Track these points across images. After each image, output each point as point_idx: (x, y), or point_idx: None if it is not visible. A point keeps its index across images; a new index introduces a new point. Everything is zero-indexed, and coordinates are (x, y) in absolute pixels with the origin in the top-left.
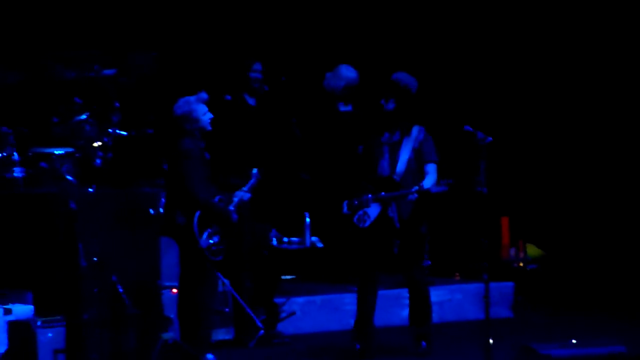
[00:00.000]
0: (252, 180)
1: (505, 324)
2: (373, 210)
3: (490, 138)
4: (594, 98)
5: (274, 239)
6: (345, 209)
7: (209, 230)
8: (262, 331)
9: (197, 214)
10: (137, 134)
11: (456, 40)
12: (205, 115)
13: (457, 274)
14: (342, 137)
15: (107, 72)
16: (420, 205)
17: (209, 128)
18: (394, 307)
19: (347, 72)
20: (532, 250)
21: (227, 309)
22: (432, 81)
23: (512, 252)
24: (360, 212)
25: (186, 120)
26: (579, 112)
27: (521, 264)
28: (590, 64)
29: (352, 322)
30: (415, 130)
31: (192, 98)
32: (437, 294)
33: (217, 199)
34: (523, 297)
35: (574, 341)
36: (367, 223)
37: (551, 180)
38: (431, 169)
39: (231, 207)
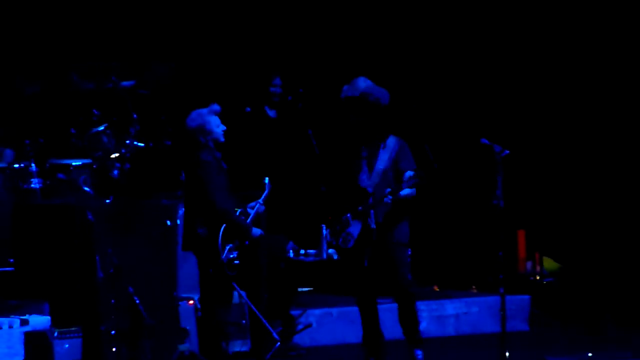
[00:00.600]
0: (265, 191)
1: (522, 337)
2: (355, 228)
3: (508, 151)
4: (611, 112)
5: (291, 251)
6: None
7: (231, 245)
8: (279, 343)
9: (223, 227)
10: (154, 145)
11: (474, 54)
12: (218, 127)
13: (474, 286)
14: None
15: (126, 83)
16: (394, 211)
17: (223, 139)
18: None
19: (364, 84)
20: (549, 263)
21: (243, 321)
22: (449, 94)
23: (529, 265)
24: (343, 234)
25: (200, 132)
26: (596, 125)
27: (538, 277)
28: (609, 76)
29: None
30: (391, 140)
31: (204, 110)
32: (453, 307)
33: (238, 212)
34: (539, 311)
35: (589, 354)
36: (352, 242)
37: (568, 193)
38: (408, 176)
39: (249, 219)
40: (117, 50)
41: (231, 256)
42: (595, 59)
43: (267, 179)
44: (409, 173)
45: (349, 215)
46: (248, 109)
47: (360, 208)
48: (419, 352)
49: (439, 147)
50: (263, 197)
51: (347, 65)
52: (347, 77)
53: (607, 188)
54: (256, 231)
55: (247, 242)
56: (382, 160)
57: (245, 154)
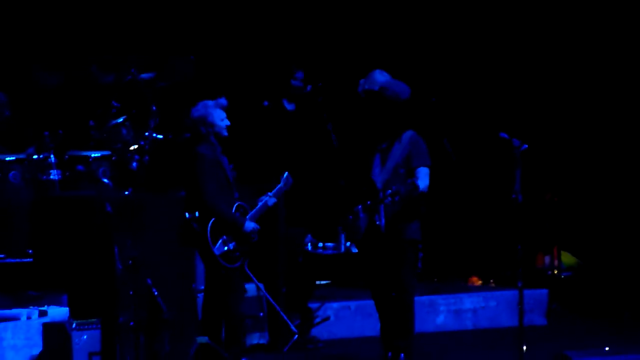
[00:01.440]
0: (279, 185)
1: (539, 332)
2: (363, 222)
3: (526, 145)
4: (631, 105)
5: (309, 244)
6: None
7: (224, 237)
8: (297, 336)
9: (211, 221)
10: (173, 137)
11: (493, 47)
12: (222, 121)
13: (492, 280)
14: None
15: (145, 75)
16: (404, 209)
17: (225, 134)
18: (428, 314)
19: (381, 77)
20: (567, 257)
21: (261, 314)
22: (468, 88)
23: (547, 259)
24: (353, 226)
25: (201, 123)
26: (615, 119)
27: (556, 272)
28: (629, 68)
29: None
30: (406, 135)
31: (210, 102)
32: (471, 301)
33: (236, 205)
34: (557, 305)
35: (607, 349)
36: (360, 235)
37: (585, 187)
38: (422, 173)
39: (252, 212)
40: (136, 43)
41: (225, 249)
42: (614, 50)
43: (286, 173)
44: (423, 169)
45: (360, 207)
46: (266, 102)
47: (369, 202)
48: (402, 356)
49: (457, 141)
50: (275, 190)
51: (366, 58)
52: (366, 71)
53: (625, 182)
54: (249, 225)
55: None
56: (395, 155)
57: (263, 147)
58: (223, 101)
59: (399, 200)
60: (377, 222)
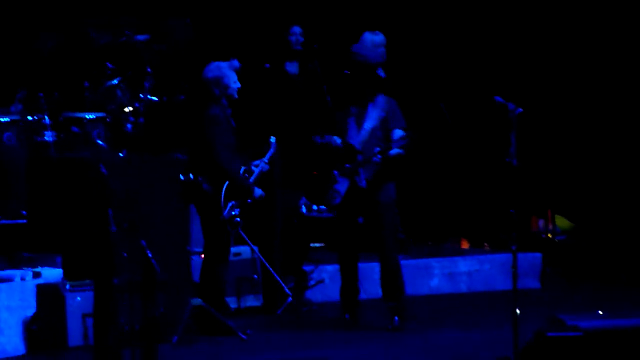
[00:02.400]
0: (270, 150)
1: (533, 295)
2: (342, 185)
3: (521, 109)
4: (624, 68)
5: (304, 207)
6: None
7: (233, 202)
8: (290, 298)
9: (226, 184)
10: (168, 100)
11: (489, 11)
12: (235, 83)
13: (486, 244)
14: None
15: (140, 37)
16: (382, 171)
17: (236, 96)
18: (422, 277)
19: (374, 36)
20: (561, 221)
21: (255, 276)
22: (464, 52)
23: (541, 223)
24: (330, 190)
25: (216, 84)
26: (611, 82)
27: (550, 235)
28: (623, 34)
29: (379, 290)
30: (380, 99)
31: (224, 63)
32: (465, 264)
33: (241, 170)
34: (551, 268)
35: (600, 312)
36: (338, 199)
37: (580, 151)
38: (396, 135)
39: (252, 179)
40: (132, 5)
41: (233, 213)
42: (612, 15)
43: (273, 138)
44: (398, 132)
45: (335, 172)
46: (267, 65)
47: (348, 165)
48: (396, 319)
49: (453, 105)
50: (268, 155)
51: (362, 19)
52: (361, 31)
53: (620, 146)
54: (257, 191)
55: (249, 201)
56: (371, 118)
57: (262, 110)
58: (236, 63)
59: (390, 155)
60: (360, 184)
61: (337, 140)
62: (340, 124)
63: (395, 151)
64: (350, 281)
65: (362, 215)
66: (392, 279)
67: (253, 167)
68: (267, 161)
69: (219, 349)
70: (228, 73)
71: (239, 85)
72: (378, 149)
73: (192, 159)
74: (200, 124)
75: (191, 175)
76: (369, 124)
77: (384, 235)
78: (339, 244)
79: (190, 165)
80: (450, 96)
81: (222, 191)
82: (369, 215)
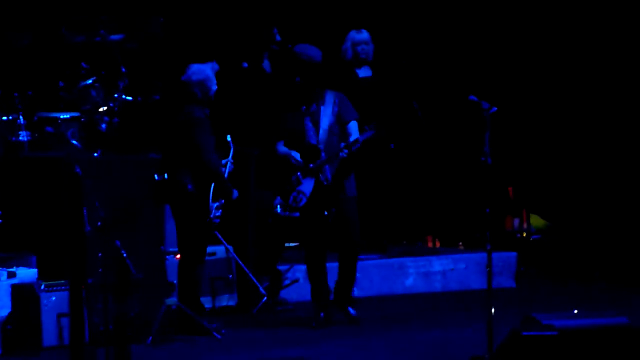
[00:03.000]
0: (231, 149)
1: (508, 294)
2: (306, 186)
3: (495, 108)
4: (600, 66)
5: (278, 207)
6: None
7: (217, 203)
8: (266, 298)
9: (212, 186)
10: (143, 99)
11: (463, 10)
12: (215, 85)
13: (461, 243)
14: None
15: (115, 37)
16: (343, 166)
17: (212, 98)
18: (397, 277)
19: (357, 35)
20: (536, 220)
21: (230, 276)
22: (438, 51)
23: (516, 222)
24: (294, 193)
25: (200, 86)
26: (584, 81)
27: (524, 234)
28: (598, 32)
29: (355, 289)
30: (329, 95)
31: (206, 66)
32: (440, 263)
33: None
34: (526, 267)
35: (576, 311)
36: (304, 201)
37: (555, 150)
38: (353, 127)
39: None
40: (106, 4)
41: (218, 213)
42: (584, 13)
43: (229, 136)
44: (354, 124)
45: (298, 174)
46: (245, 64)
47: (311, 165)
48: (352, 309)
49: (427, 103)
50: (231, 154)
51: (338, 18)
52: (339, 31)
53: (595, 143)
54: (235, 192)
55: (222, 202)
56: (326, 115)
57: (242, 109)
58: (216, 66)
59: (353, 150)
60: (325, 183)
61: (297, 155)
62: (297, 125)
63: (362, 137)
64: (320, 281)
65: (329, 210)
66: (353, 273)
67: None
68: (232, 160)
69: (194, 349)
70: (211, 75)
71: (216, 87)
72: (343, 144)
73: (169, 160)
74: (181, 126)
75: (166, 176)
76: (325, 122)
77: (353, 229)
78: (307, 244)
79: (167, 166)
80: (425, 94)
81: (209, 192)
82: (335, 209)
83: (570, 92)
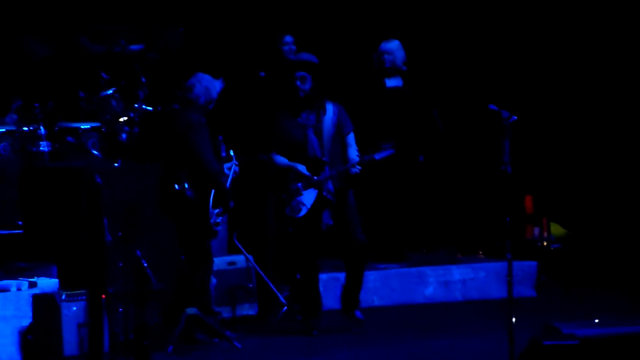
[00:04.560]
0: (230, 151)
1: (529, 303)
2: (308, 197)
3: (515, 117)
4: (619, 77)
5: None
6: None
7: (218, 210)
8: (286, 307)
9: (212, 192)
10: (163, 109)
11: (483, 19)
12: (215, 98)
13: (481, 252)
14: (388, 114)
15: (134, 47)
16: (344, 179)
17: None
18: (417, 286)
19: (383, 44)
20: (556, 229)
21: (250, 285)
22: (458, 60)
23: (536, 231)
24: (293, 203)
25: (205, 95)
26: (603, 90)
27: (545, 243)
28: (618, 38)
29: (374, 298)
30: (329, 106)
31: (212, 78)
32: (460, 272)
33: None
34: (546, 276)
35: (597, 321)
36: (304, 211)
37: (575, 159)
38: (351, 138)
39: (228, 182)
40: (125, 14)
41: (218, 220)
42: (606, 21)
43: (220, 136)
44: (352, 135)
45: (299, 184)
46: (262, 73)
47: (316, 178)
48: (358, 312)
49: (447, 112)
50: (234, 159)
51: (356, 27)
52: (356, 39)
53: (615, 153)
54: (232, 202)
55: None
56: (328, 127)
57: (259, 118)
58: (222, 83)
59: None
60: (329, 196)
61: (302, 168)
62: (299, 135)
63: (381, 155)
64: (316, 290)
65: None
66: (361, 280)
67: (226, 171)
68: (236, 163)
69: (214, 357)
70: (217, 87)
71: (213, 105)
72: (357, 159)
73: (168, 166)
74: (180, 132)
75: (186, 185)
76: (327, 134)
77: (361, 235)
78: (301, 254)
79: (168, 172)
80: (445, 104)
81: (209, 198)
82: (339, 220)
83: (590, 102)
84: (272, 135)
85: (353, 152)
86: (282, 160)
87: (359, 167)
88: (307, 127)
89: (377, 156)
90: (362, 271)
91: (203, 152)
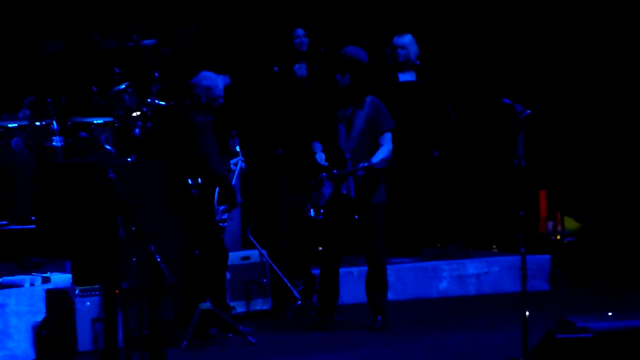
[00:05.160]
0: (237, 146)
1: (542, 297)
2: (327, 189)
3: (529, 111)
4: (632, 69)
5: (312, 210)
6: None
7: (223, 207)
8: (300, 302)
9: (217, 189)
10: (175, 104)
11: (496, 12)
12: (221, 96)
13: (495, 246)
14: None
15: (147, 42)
16: (370, 176)
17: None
18: (431, 280)
19: (395, 39)
20: (570, 223)
21: (264, 280)
22: (471, 53)
23: (550, 225)
24: (315, 192)
25: (207, 93)
26: (616, 83)
27: (559, 237)
28: (635, 30)
29: (389, 293)
30: (367, 101)
31: (217, 76)
32: (474, 266)
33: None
34: (560, 270)
35: (610, 314)
36: (323, 201)
37: (590, 153)
38: (387, 137)
39: (234, 178)
40: (138, 10)
41: (224, 217)
42: (620, 14)
43: (234, 131)
44: (388, 135)
45: (324, 174)
46: (276, 68)
47: (335, 172)
48: (380, 318)
49: (460, 106)
50: (240, 154)
51: (369, 21)
52: (368, 33)
53: (629, 147)
54: (239, 198)
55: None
56: (359, 123)
57: (270, 114)
58: (227, 79)
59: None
60: (344, 192)
61: (321, 157)
62: (331, 129)
63: (381, 165)
64: (332, 284)
65: (348, 218)
66: (377, 282)
67: (232, 166)
68: (243, 159)
69: (228, 353)
70: (220, 86)
71: (222, 100)
72: (363, 164)
73: (175, 164)
74: (183, 131)
75: (199, 180)
76: (357, 129)
77: (372, 238)
78: (323, 247)
79: (177, 171)
80: (458, 98)
81: (214, 196)
82: (360, 217)
83: (604, 95)
84: (312, 125)
85: (381, 153)
86: (316, 148)
87: (362, 173)
88: (339, 121)
89: (378, 165)
90: (376, 275)
91: (207, 153)
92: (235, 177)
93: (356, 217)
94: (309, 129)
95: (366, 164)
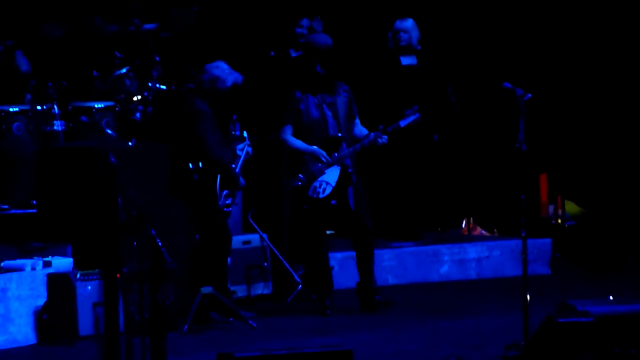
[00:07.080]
0: (243, 132)
1: (543, 281)
2: (331, 175)
3: (530, 95)
4: (634, 53)
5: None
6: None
7: (227, 191)
8: (300, 286)
9: (219, 174)
10: (177, 88)
11: None
12: (225, 90)
13: (495, 230)
14: (403, 92)
15: (148, 26)
16: (359, 155)
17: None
18: (432, 264)
19: (397, 23)
20: (571, 207)
21: (265, 264)
22: (472, 37)
23: (551, 208)
24: (316, 183)
25: (214, 82)
26: (618, 66)
27: (559, 221)
28: (634, 17)
29: (389, 277)
30: (339, 85)
31: (232, 72)
32: (475, 250)
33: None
34: (561, 254)
35: (611, 298)
36: (329, 190)
37: (590, 136)
38: (357, 122)
39: (240, 163)
40: None
41: (228, 201)
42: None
43: (234, 116)
44: (357, 120)
45: (319, 165)
46: (272, 52)
47: (336, 155)
48: (378, 298)
49: (461, 90)
50: (247, 140)
51: (370, 5)
52: (370, 17)
53: (630, 131)
54: (242, 181)
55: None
56: (342, 106)
57: (267, 97)
58: (239, 78)
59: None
60: (350, 171)
61: (318, 151)
62: (318, 114)
63: (406, 121)
64: (326, 265)
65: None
66: (372, 258)
67: (238, 152)
68: (249, 143)
69: (229, 337)
70: (227, 81)
71: (223, 95)
72: (376, 132)
73: (177, 150)
74: (183, 116)
75: (200, 164)
76: (342, 113)
77: (368, 217)
78: (313, 232)
79: (178, 156)
80: (459, 82)
81: (215, 180)
82: (357, 198)
83: (606, 78)
84: (286, 115)
85: (362, 130)
86: (298, 143)
87: (385, 137)
88: (323, 107)
89: (402, 123)
90: (371, 255)
91: (207, 141)
92: (241, 161)
93: (352, 204)
94: (281, 111)
95: (393, 126)
